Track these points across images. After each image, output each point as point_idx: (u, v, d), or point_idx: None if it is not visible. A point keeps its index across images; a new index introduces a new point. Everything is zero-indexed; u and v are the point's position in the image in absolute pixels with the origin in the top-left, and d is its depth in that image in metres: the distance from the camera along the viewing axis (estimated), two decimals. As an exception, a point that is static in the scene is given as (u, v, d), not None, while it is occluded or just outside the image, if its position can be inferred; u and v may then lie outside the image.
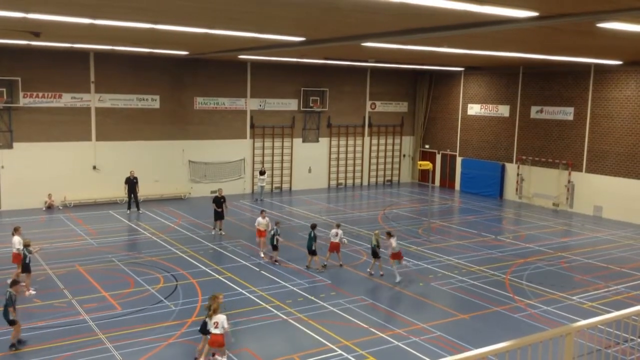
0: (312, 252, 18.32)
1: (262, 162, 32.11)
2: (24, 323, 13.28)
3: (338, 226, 19.03)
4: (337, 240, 18.61)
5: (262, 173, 30.31)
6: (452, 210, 30.12)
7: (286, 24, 14.08)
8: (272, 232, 18.88)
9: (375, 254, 17.89)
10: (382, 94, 36.50)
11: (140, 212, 26.32)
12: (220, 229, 22.68)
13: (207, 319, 11.66)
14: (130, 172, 26.31)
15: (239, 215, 26.47)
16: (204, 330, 11.83)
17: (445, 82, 36.09)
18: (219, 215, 22.62)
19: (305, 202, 30.00)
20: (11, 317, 12.33)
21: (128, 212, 26.17)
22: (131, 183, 26.20)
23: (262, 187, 30.11)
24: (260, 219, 19.98)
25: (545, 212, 29.03)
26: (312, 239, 18.19)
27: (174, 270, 18.07)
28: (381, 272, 17.96)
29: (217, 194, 22.95)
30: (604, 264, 19.94)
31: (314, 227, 18.63)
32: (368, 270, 18.12)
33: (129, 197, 26.27)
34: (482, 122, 33.89)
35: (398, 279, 17.28)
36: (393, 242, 17.55)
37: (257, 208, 28.21)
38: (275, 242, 18.72)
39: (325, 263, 18.72)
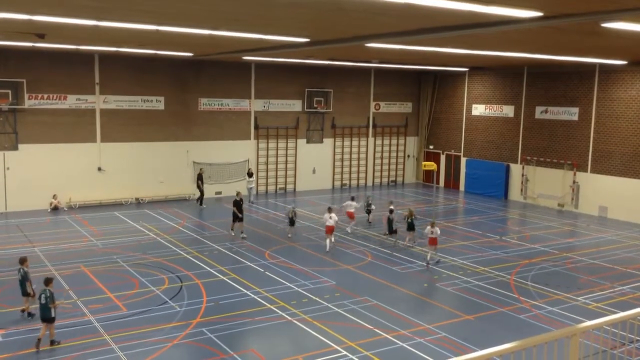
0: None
1: (248, 164, 31.86)
2: (30, 324, 13.31)
3: (353, 199, 19.47)
4: (352, 210, 19.15)
5: (250, 175, 30.19)
6: (456, 210, 30.06)
7: (290, 25, 14.08)
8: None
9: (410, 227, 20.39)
10: (386, 95, 36.47)
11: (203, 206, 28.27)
12: (242, 231, 22.79)
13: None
14: (200, 169, 29.04)
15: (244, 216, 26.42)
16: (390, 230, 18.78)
17: (449, 83, 36.04)
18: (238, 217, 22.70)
19: (310, 203, 29.98)
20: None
21: (204, 206, 28.11)
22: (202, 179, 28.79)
23: (250, 189, 30.01)
24: (327, 215, 20.64)
25: (550, 212, 28.95)
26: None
27: (178, 271, 18.10)
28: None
29: (236, 197, 22.92)
30: (609, 264, 19.87)
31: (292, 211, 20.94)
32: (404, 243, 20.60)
33: (202, 192, 28.53)
34: (486, 122, 33.83)
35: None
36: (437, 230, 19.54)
37: (260, 210, 28.25)
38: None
39: (354, 229, 20.23)
